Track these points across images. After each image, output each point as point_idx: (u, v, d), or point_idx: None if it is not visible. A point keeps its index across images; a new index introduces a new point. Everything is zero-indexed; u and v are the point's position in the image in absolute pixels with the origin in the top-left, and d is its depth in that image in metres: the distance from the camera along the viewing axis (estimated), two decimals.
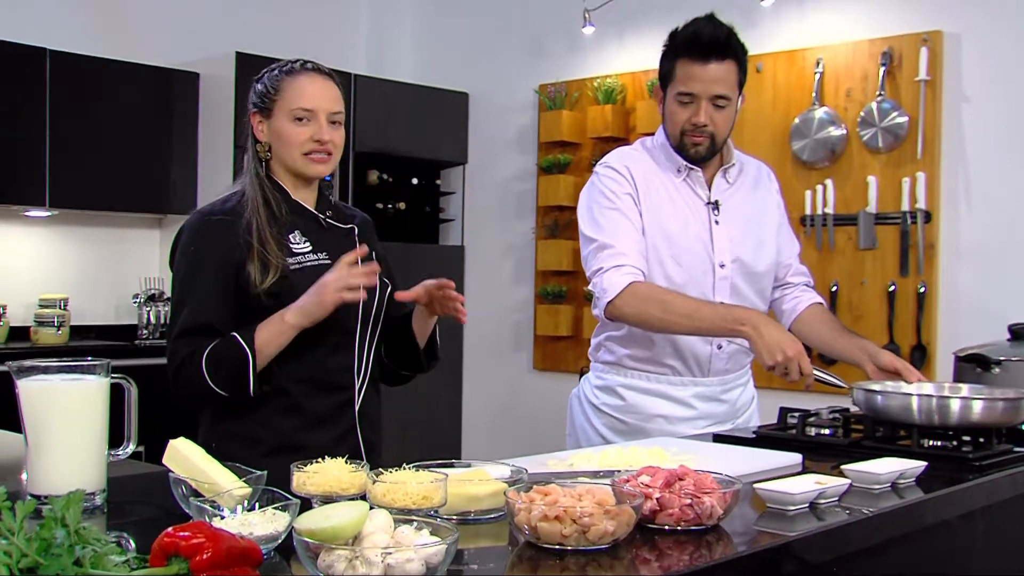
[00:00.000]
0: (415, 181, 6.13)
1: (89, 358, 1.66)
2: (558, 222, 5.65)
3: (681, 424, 2.73)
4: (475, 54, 6.17)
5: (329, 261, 2.24)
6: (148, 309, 5.31)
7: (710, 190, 2.76)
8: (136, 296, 5.35)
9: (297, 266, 2.21)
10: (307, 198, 2.33)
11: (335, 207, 2.40)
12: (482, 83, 6.16)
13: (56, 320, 4.99)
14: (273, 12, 5.94)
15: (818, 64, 4.76)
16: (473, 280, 6.16)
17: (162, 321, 5.32)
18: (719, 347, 2.72)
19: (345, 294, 2.12)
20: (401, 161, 5.99)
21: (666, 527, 1.56)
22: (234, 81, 5.21)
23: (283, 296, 2.17)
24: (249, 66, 5.26)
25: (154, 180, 5.27)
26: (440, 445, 5.82)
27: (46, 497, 1.54)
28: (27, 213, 5.11)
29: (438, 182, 6.29)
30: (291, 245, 2.24)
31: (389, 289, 2.36)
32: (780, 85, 4.89)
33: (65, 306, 5.07)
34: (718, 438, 2.47)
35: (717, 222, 2.72)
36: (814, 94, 4.76)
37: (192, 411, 2.31)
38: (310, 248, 2.26)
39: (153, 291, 5.34)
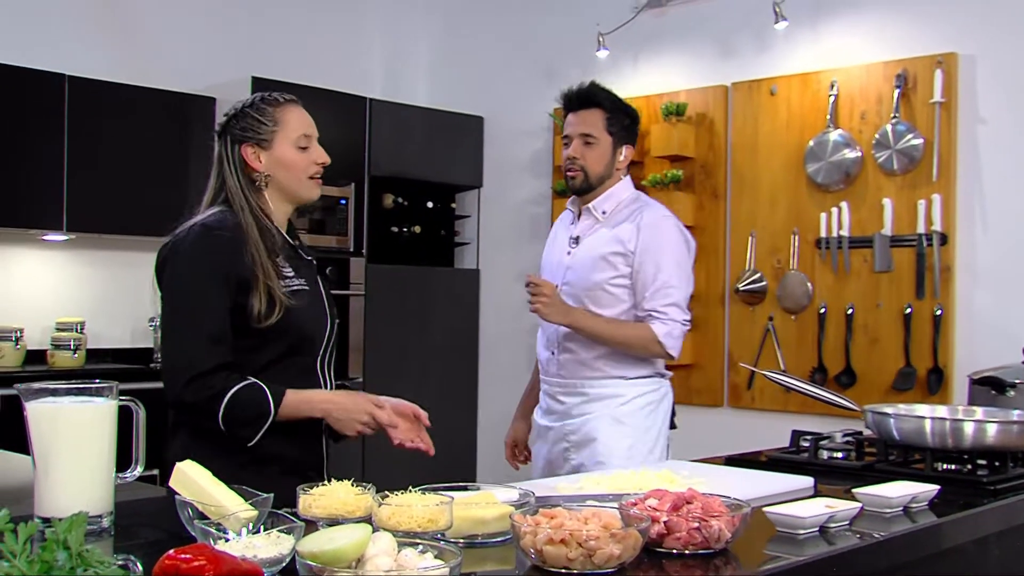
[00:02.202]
0: (430, 205, 6.14)
1: (97, 380, 1.67)
2: None
3: (536, 413, 3.35)
4: (490, 78, 6.19)
5: (307, 287, 2.35)
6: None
7: (578, 225, 3.27)
8: (152, 320, 5.37)
9: (287, 289, 2.28)
10: (283, 226, 2.41)
11: (299, 238, 2.50)
12: (497, 107, 6.18)
13: (72, 343, 5.01)
14: (289, 37, 5.98)
15: (832, 87, 4.75)
16: (488, 303, 6.16)
17: None
18: (552, 353, 3.23)
19: (364, 430, 2.27)
20: (416, 185, 6.00)
21: (674, 551, 1.55)
22: None
23: (279, 324, 2.25)
24: (265, 90, 5.29)
25: (170, 204, 5.22)
26: (455, 469, 5.80)
27: (52, 520, 1.54)
28: (44, 237, 5.14)
29: (453, 206, 6.29)
30: (282, 270, 2.31)
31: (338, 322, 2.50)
32: (794, 108, 4.88)
33: (81, 329, 5.10)
34: (730, 461, 2.46)
35: (569, 252, 3.23)
36: (828, 116, 4.75)
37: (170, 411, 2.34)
38: (293, 273, 2.34)
39: None
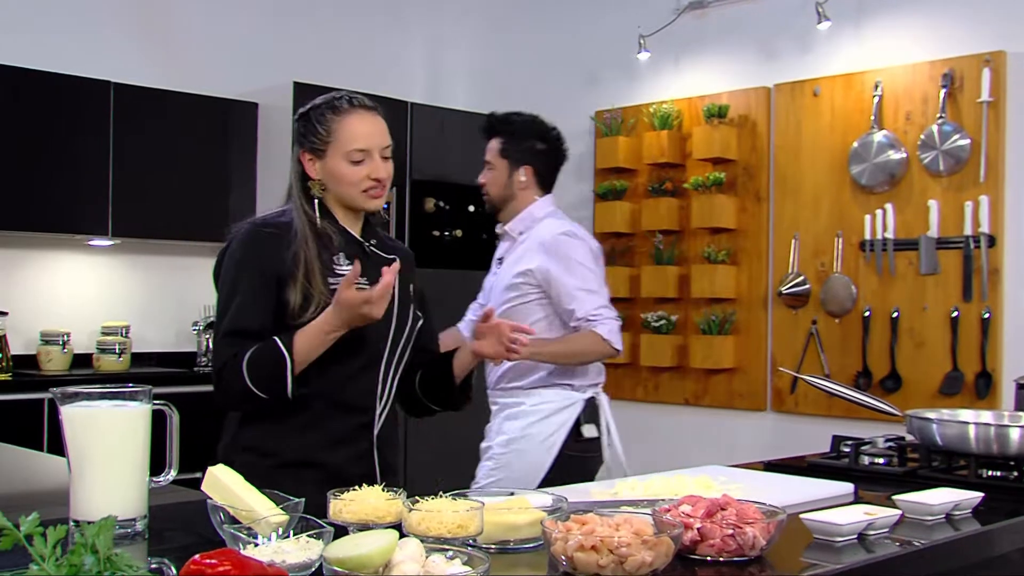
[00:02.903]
0: (471, 208, 6.13)
1: (130, 384, 1.67)
2: (615, 249, 5.62)
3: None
4: (531, 81, 6.18)
5: (368, 285, 2.25)
6: (207, 336, 5.36)
7: (501, 247, 3.54)
8: (195, 323, 5.41)
9: (336, 286, 2.22)
10: (355, 225, 2.37)
11: (380, 238, 2.44)
12: (538, 110, 6.06)
13: (118, 347, 5.06)
14: (330, 42, 6.01)
15: (877, 87, 4.69)
16: None
17: None
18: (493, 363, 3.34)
19: (364, 309, 2.16)
20: (457, 189, 6.00)
21: (707, 558, 1.53)
22: (292, 111, 5.27)
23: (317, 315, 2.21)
24: (307, 96, 5.29)
25: (214, 209, 5.34)
26: None
27: (81, 523, 1.55)
28: (91, 242, 5.20)
29: None
30: (335, 266, 2.27)
31: (421, 322, 2.42)
32: (838, 109, 4.83)
33: (127, 333, 5.15)
34: (769, 467, 2.43)
35: (495, 274, 3.47)
36: (873, 117, 4.69)
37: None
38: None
39: (212, 319, 5.39)
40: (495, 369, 3.40)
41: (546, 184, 3.49)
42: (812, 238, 4.89)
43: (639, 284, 5.47)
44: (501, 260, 3.45)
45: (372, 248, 2.38)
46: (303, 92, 5.28)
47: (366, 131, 2.30)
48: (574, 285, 3.23)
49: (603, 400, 3.41)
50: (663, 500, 1.71)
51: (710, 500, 1.59)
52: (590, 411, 3.35)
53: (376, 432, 2.34)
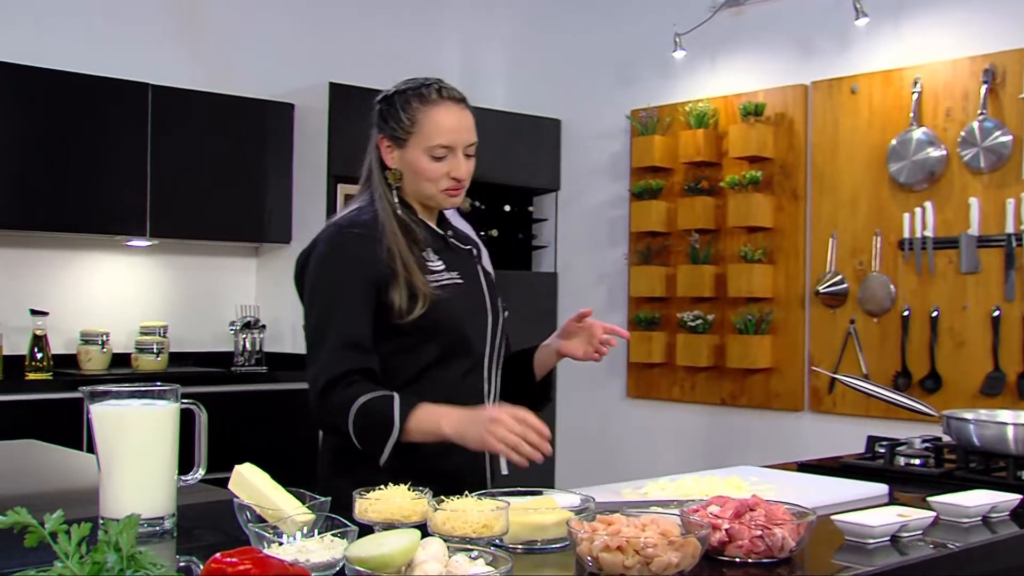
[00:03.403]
0: (507, 208, 6.13)
1: (158, 383, 1.68)
2: (651, 248, 5.59)
3: None
4: (567, 81, 6.17)
5: (461, 280, 2.19)
6: (244, 336, 5.40)
7: None
8: (232, 323, 5.44)
9: (435, 284, 2.14)
10: (431, 217, 2.27)
11: (454, 227, 2.33)
12: (574, 109, 6.15)
13: (155, 347, 5.11)
14: (365, 43, 6.02)
15: (916, 84, 4.63)
16: (566, 307, 6.13)
17: (257, 348, 5.40)
18: None
19: (503, 448, 1.98)
20: (494, 188, 6.00)
21: (736, 559, 1.51)
22: (327, 111, 5.29)
23: (425, 319, 2.11)
24: (342, 96, 5.35)
25: (250, 210, 5.37)
26: (533, 473, 5.77)
27: (106, 521, 1.56)
28: (129, 243, 5.24)
29: (531, 209, 6.28)
30: (427, 263, 2.17)
31: (506, 314, 2.33)
32: (876, 106, 4.77)
33: (164, 333, 5.19)
34: (803, 467, 2.40)
35: None
36: (912, 115, 4.63)
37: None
38: (443, 267, 2.20)
39: (249, 319, 5.43)
40: None
41: None
42: (850, 237, 4.84)
43: (675, 283, 5.44)
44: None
45: (453, 241, 2.28)
46: (339, 93, 5.31)
47: (452, 125, 2.17)
48: None
49: None
50: (692, 501, 1.70)
51: (739, 501, 1.57)
52: None
53: None
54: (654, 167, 5.56)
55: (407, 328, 2.11)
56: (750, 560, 1.50)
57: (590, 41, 6.04)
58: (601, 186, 5.98)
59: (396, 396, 2.03)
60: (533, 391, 2.38)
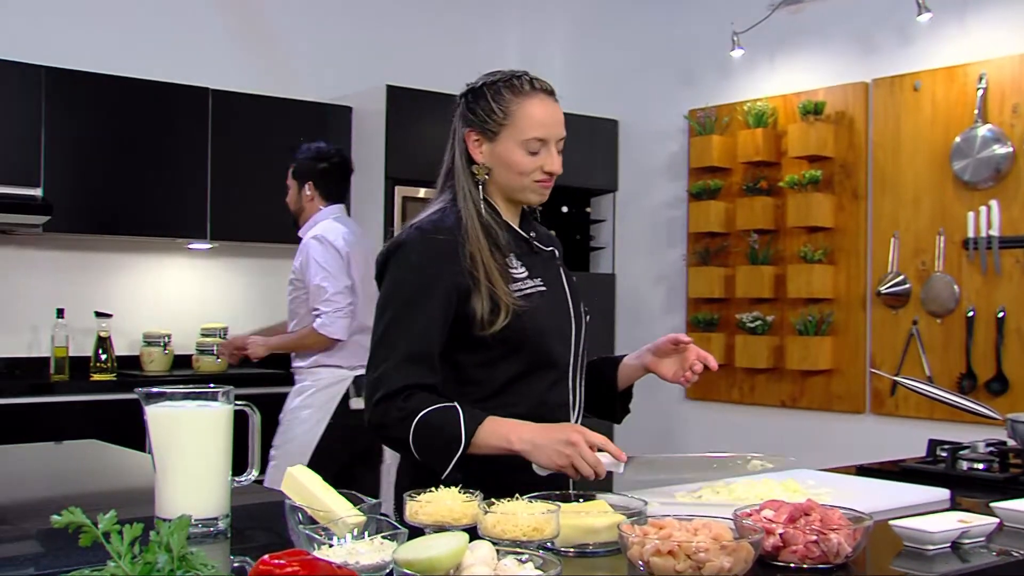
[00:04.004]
0: (565, 209, 6.12)
1: (211, 384, 1.69)
2: (709, 249, 5.55)
3: None
4: (624, 81, 6.14)
5: (544, 287, 2.12)
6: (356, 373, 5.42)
7: None
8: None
9: (518, 293, 2.07)
10: (514, 217, 2.19)
11: (535, 228, 2.26)
12: (632, 110, 6.12)
13: (215, 348, 5.17)
14: (423, 45, 6.04)
15: (981, 79, 4.54)
16: (624, 308, 6.10)
17: None
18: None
19: (572, 474, 1.92)
20: (551, 189, 5.98)
21: (790, 565, 1.48)
22: (385, 114, 5.32)
23: (509, 331, 2.04)
24: (400, 99, 5.37)
25: None
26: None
27: (157, 520, 1.57)
28: (190, 246, 5.31)
29: (588, 210, 6.26)
30: (511, 270, 2.09)
31: (587, 319, 2.25)
32: (939, 103, 4.69)
33: (225, 335, 5.24)
34: (862, 471, 2.36)
35: None
36: (977, 111, 4.54)
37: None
38: (526, 274, 2.12)
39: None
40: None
41: (330, 196, 4.24)
42: (912, 236, 4.76)
43: (734, 284, 5.39)
44: None
45: (536, 244, 2.21)
46: (396, 95, 5.33)
47: (547, 118, 2.11)
48: (311, 282, 4.05)
49: None
50: (747, 505, 1.67)
51: (793, 505, 1.55)
52: (359, 386, 4.06)
53: None
54: (712, 167, 5.52)
55: (490, 340, 2.04)
56: (805, 566, 1.47)
57: (647, 41, 6.00)
58: (659, 187, 5.94)
59: (460, 408, 1.96)
60: (615, 402, 2.33)
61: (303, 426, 4.10)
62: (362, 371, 3.79)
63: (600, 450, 1.93)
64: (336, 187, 4.27)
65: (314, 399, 4.12)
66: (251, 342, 4.32)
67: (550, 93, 2.16)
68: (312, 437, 4.06)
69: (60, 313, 4.89)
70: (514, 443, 1.94)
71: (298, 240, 4.26)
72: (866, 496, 1.97)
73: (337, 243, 4.10)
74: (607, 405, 2.33)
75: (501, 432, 1.95)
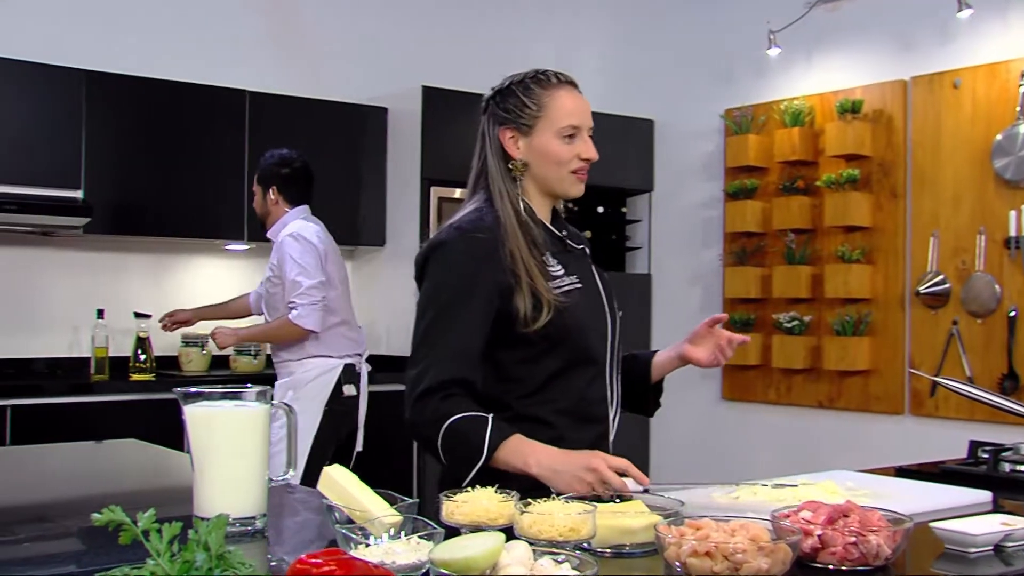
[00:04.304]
0: (601, 209, 6.11)
1: (248, 384, 1.70)
2: (746, 249, 5.52)
3: None
4: (660, 80, 6.12)
5: (580, 285, 2.14)
6: (353, 361, 5.43)
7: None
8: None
9: (558, 290, 2.08)
10: (547, 218, 2.21)
11: (566, 226, 2.27)
12: (667, 109, 6.10)
13: (253, 349, 5.19)
14: (458, 45, 6.05)
15: (1023, 76, 4.49)
16: (660, 308, 6.08)
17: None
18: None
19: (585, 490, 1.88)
20: (587, 189, 5.90)
21: (829, 566, 1.47)
22: (421, 115, 5.33)
23: (551, 328, 2.05)
24: (435, 100, 5.39)
25: (345, 213, 5.43)
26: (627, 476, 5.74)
27: (194, 519, 1.58)
28: (227, 247, 5.35)
29: (624, 210, 6.24)
30: (548, 268, 2.11)
31: (621, 314, 2.27)
32: (980, 101, 4.64)
33: None
34: (901, 472, 2.34)
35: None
36: (1019, 108, 4.49)
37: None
38: (563, 271, 2.14)
39: None
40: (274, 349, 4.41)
41: (294, 199, 4.39)
42: (952, 235, 4.71)
43: (771, 284, 5.35)
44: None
45: (569, 243, 2.23)
46: (432, 96, 5.34)
47: (576, 107, 2.15)
48: (287, 278, 4.21)
49: (362, 368, 4.44)
50: (786, 506, 1.66)
51: (832, 506, 1.53)
52: (349, 374, 4.34)
53: (611, 439, 2.20)
54: (749, 167, 5.49)
55: (533, 337, 2.06)
56: (843, 567, 1.46)
57: (683, 40, 5.98)
58: (695, 186, 5.92)
59: (490, 420, 1.96)
60: (648, 395, 2.35)
61: (301, 417, 4.19)
62: (350, 360, 4.36)
63: (622, 474, 1.92)
64: (299, 191, 4.43)
65: (308, 390, 4.28)
66: (219, 332, 4.46)
67: (574, 85, 2.21)
68: (311, 426, 4.24)
69: (100, 314, 4.93)
70: (531, 467, 1.94)
71: (268, 240, 4.48)
72: (905, 498, 1.95)
73: (313, 240, 4.29)
74: (639, 398, 2.36)
75: (522, 452, 1.95)
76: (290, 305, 4.23)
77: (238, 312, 4.87)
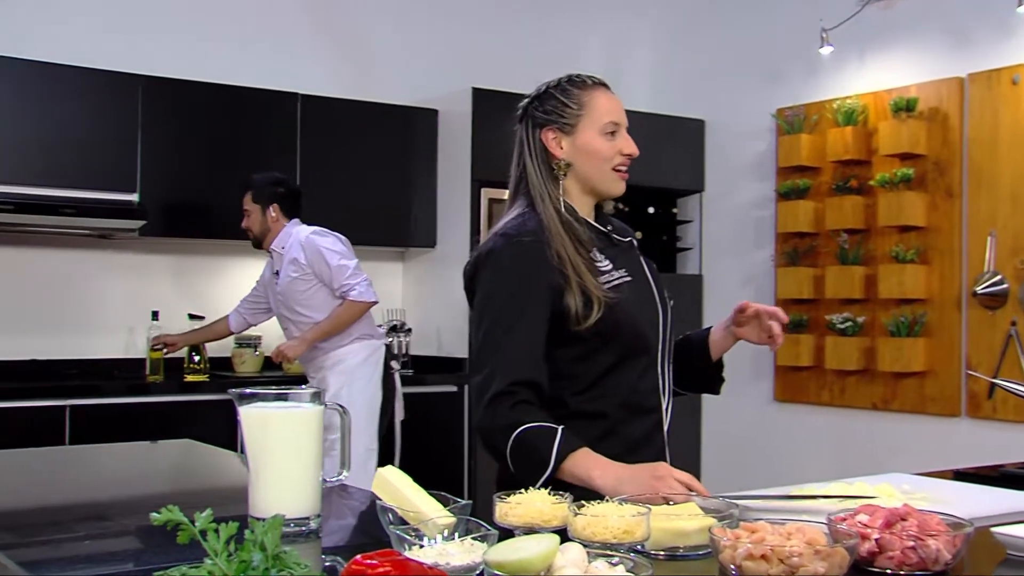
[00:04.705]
0: (651, 210, 6.09)
1: (303, 386, 1.71)
2: (798, 249, 5.47)
3: None
4: (710, 80, 6.08)
5: (630, 278, 2.17)
6: (391, 339, 5.48)
7: (273, 264, 4.73)
8: (380, 327, 5.53)
9: (607, 285, 2.11)
10: (590, 215, 2.24)
11: (611, 221, 2.30)
12: (718, 109, 6.06)
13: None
14: (508, 47, 6.06)
15: None
16: (712, 309, 6.05)
17: (404, 351, 5.48)
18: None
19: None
20: (637, 190, 5.93)
21: (887, 571, 1.45)
22: (471, 116, 5.34)
23: (604, 323, 2.08)
24: (485, 101, 5.40)
25: (396, 214, 5.46)
26: None
27: (250, 520, 1.59)
28: None
29: (675, 211, 6.22)
30: (596, 263, 2.14)
31: (672, 303, 2.29)
32: None
33: None
34: (959, 475, 2.30)
35: (277, 284, 4.69)
36: None
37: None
38: (611, 266, 2.17)
39: (395, 322, 5.51)
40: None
41: (291, 212, 4.62)
42: (1010, 235, 4.64)
43: (823, 285, 5.30)
44: (277, 272, 4.60)
45: (616, 237, 2.25)
46: (482, 98, 5.36)
47: (614, 106, 2.22)
48: (331, 264, 4.47)
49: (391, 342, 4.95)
50: (843, 510, 1.64)
51: (889, 510, 1.51)
52: (388, 351, 4.76)
53: (666, 429, 2.22)
54: (801, 166, 5.44)
55: (586, 334, 2.08)
56: (902, 572, 1.44)
57: (734, 40, 5.94)
58: (746, 186, 5.88)
59: (559, 432, 1.97)
60: (710, 372, 2.37)
61: (361, 395, 4.56)
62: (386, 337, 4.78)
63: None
64: (294, 205, 4.66)
65: (364, 369, 4.59)
66: (286, 347, 4.60)
67: (607, 86, 2.27)
68: (374, 401, 4.59)
69: (155, 315, 5.00)
70: (595, 479, 1.94)
71: (268, 253, 4.71)
72: (964, 501, 1.92)
73: (338, 235, 4.61)
74: (703, 377, 2.38)
75: (585, 467, 1.96)
76: (343, 288, 4.49)
77: (220, 333, 5.01)
